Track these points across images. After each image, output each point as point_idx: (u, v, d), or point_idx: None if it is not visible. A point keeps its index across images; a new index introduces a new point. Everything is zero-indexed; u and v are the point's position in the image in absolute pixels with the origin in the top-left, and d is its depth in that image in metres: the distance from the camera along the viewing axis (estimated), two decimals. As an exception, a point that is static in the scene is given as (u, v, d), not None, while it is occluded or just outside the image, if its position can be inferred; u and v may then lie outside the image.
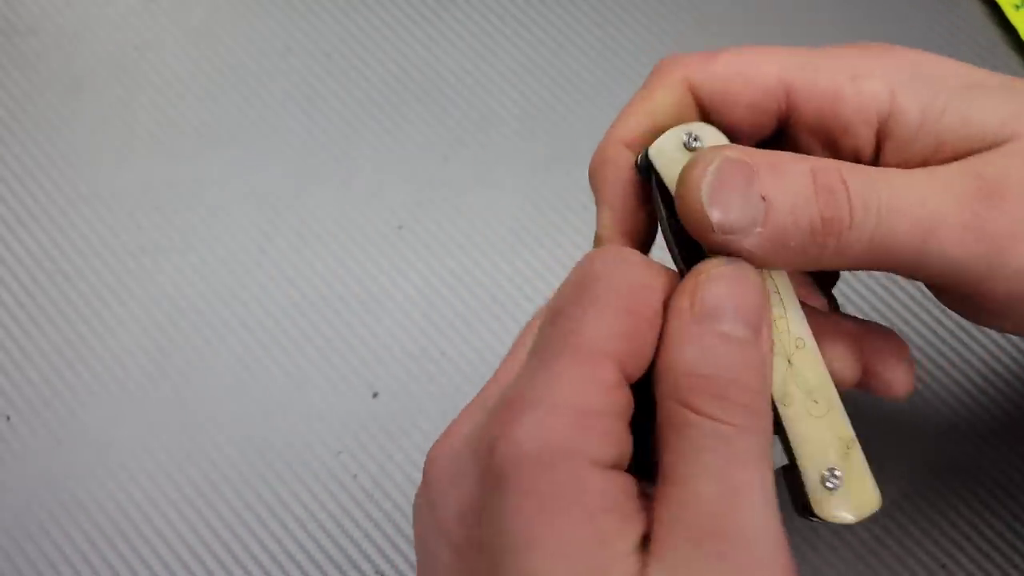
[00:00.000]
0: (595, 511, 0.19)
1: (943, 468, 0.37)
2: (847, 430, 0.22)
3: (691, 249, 0.22)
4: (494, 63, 0.44)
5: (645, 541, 0.19)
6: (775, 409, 0.21)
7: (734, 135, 0.24)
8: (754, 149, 0.21)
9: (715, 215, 0.20)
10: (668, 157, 0.22)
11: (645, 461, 0.21)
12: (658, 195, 0.22)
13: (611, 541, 0.19)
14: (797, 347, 0.22)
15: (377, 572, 0.35)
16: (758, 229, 0.20)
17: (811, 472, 0.21)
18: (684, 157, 0.22)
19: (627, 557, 0.19)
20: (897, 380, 0.24)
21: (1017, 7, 0.41)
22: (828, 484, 0.21)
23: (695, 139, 0.22)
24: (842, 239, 0.20)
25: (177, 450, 0.37)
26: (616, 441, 0.20)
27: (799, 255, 0.21)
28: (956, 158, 0.21)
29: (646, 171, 0.23)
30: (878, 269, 0.22)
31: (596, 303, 0.20)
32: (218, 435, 0.37)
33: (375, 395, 0.38)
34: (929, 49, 0.23)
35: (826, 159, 0.21)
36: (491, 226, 0.40)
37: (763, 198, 0.20)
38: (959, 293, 0.22)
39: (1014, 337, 0.38)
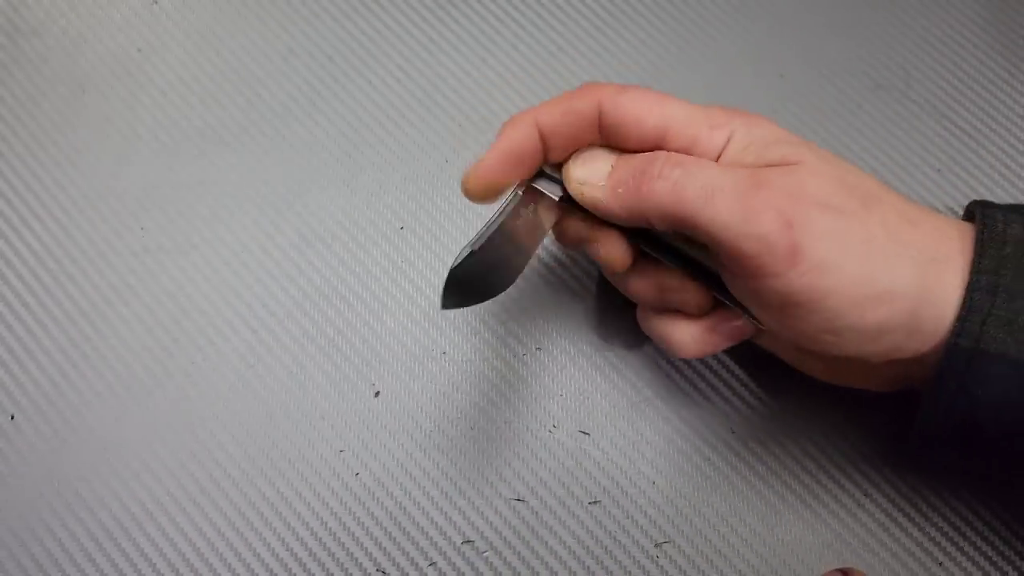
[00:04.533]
0: None
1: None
2: None
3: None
4: (494, 66, 0.44)
5: None
6: None
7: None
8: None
9: (576, 172, 0.31)
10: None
11: None
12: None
13: None
14: None
15: (379, 569, 0.35)
16: (601, 183, 0.31)
17: None
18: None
19: None
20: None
21: None
22: None
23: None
24: (652, 186, 0.29)
25: (180, 448, 0.37)
26: None
27: (628, 199, 0.30)
28: None
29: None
30: (680, 227, 0.29)
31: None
32: (221, 433, 0.37)
33: (377, 394, 0.38)
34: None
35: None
36: (492, 227, 0.41)
37: (612, 166, 0.31)
38: (734, 270, 0.29)
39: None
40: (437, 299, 0.39)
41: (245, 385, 0.38)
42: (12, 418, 0.37)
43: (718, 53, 0.44)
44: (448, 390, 0.38)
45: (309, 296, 0.39)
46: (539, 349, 0.39)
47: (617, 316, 0.39)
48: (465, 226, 0.41)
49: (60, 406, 0.38)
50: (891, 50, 0.44)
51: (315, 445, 0.37)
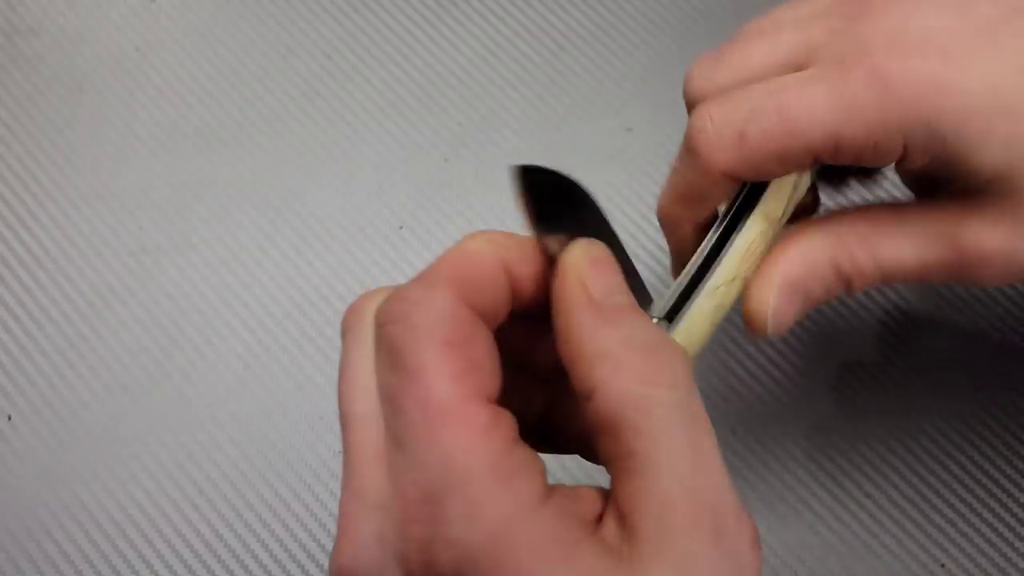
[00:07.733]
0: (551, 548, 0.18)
1: (941, 466, 0.37)
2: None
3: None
4: (494, 64, 0.44)
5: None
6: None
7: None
8: None
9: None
10: None
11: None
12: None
13: (580, 543, 0.18)
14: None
15: (378, 571, 0.35)
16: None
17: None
18: None
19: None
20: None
21: None
22: None
23: None
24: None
25: (178, 449, 0.37)
26: (536, 462, 0.19)
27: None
28: None
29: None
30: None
31: (417, 362, 0.19)
32: (219, 434, 0.37)
33: (376, 395, 0.38)
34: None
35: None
36: (491, 226, 0.40)
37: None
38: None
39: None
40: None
41: (243, 386, 0.38)
42: (9, 419, 0.37)
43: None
44: (447, 391, 0.38)
45: (307, 296, 0.39)
46: (539, 349, 0.39)
47: (617, 316, 0.39)
48: (465, 226, 0.41)
49: (57, 407, 0.37)
50: (892, 49, 0.44)
51: (313, 447, 0.37)
